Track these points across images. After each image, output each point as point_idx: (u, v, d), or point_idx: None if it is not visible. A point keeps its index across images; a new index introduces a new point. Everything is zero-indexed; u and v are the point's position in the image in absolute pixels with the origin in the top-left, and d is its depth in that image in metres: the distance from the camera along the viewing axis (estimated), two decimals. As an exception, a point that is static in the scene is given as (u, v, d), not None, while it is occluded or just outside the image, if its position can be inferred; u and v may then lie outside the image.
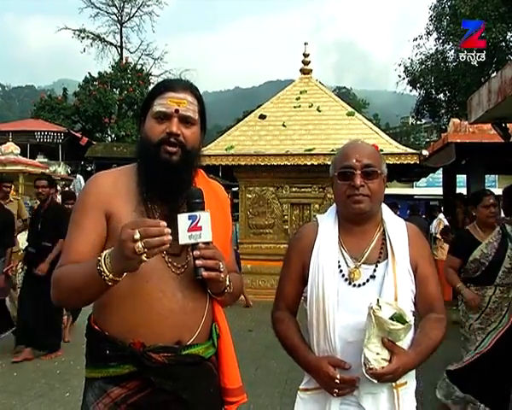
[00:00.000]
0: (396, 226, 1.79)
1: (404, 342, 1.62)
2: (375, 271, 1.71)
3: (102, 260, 1.39)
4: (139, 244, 1.31)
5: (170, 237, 1.35)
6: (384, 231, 1.78)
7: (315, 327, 1.71)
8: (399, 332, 1.55)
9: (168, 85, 1.64)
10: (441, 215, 10.10)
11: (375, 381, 1.56)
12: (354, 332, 1.63)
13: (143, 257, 1.33)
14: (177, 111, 1.58)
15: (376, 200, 1.75)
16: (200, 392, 1.58)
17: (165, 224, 1.35)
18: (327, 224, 1.82)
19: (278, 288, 1.92)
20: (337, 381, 1.60)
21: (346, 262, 1.74)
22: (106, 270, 1.38)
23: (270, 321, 1.90)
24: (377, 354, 1.55)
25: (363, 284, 1.70)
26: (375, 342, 1.55)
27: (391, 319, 1.54)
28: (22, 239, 9.61)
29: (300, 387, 1.82)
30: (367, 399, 1.63)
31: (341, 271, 1.72)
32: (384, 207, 1.84)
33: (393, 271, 1.69)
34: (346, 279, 1.71)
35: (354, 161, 1.72)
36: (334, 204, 1.86)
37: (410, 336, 1.67)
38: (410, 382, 1.70)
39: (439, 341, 1.69)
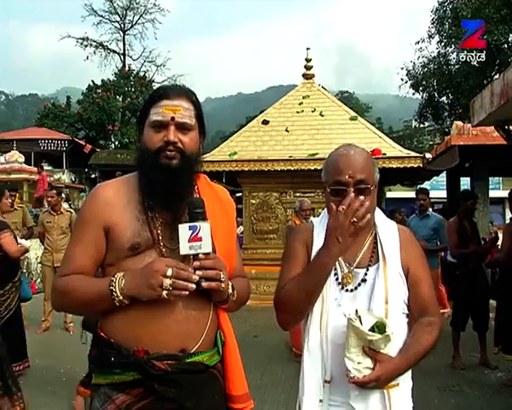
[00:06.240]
0: (388, 230, 1.79)
1: (396, 348, 1.63)
2: (365, 274, 1.71)
3: (116, 282, 1.49)
4: (168, 281, 1.43)
5: (194, 286, 1.46)
6: (376, 234, 1.78)
7: (309, 331, 1.71)
8: (378, 342, 1.55)
9: (163, 93, 1.64)
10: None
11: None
12: (344, 335, 1.64)
13: (164, 293, 1.44)
14: (172, 119, 1.59)
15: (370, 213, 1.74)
16: (205, 400, 1.59)
17: (192, 271, 1.46)
18: (322, 228, 1.80)
19: (282, 278, 1.77)
20: None
21: (341, 267, 1.74)
22: (118, 291, 1.49)
23: (276, 321, 1.77)
24: (358, 363, 1.56)
25: (355, 288, 1.70)
26: (355, 352, 1.56)
27: (372, 328, 1.55)
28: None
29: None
30: (357, 400, 1.63)
31: (336, 275, 1.73)
32: (377, 210, 1.83)
33: (384, 274, 1.69)
34: (339, 283, 1.72)
35: (347, 177, 1.68)
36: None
37: (403, 340, 1.68)
38: (402, 383, 1.68)
39: (431, 345, 1.68)
